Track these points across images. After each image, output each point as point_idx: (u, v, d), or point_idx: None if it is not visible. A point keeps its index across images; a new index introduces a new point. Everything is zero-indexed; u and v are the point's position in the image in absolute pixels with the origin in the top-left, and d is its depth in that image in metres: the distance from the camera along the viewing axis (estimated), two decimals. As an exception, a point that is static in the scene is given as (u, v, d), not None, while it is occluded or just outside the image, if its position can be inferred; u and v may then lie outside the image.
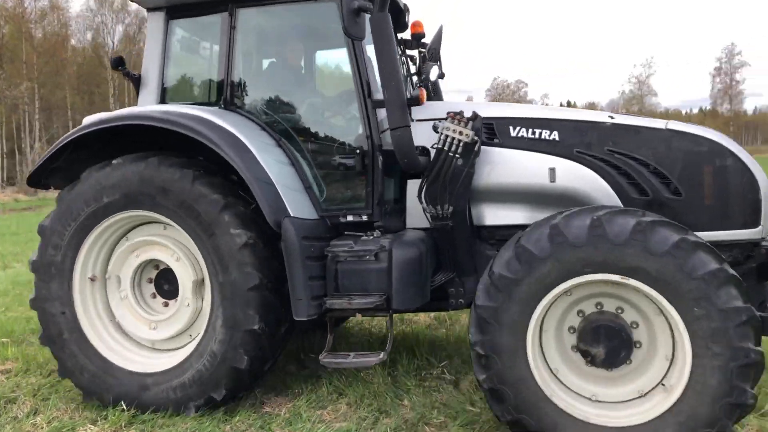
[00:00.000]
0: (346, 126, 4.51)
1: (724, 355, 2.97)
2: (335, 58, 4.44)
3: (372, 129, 4.05)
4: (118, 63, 4.70)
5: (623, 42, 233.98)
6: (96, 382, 4.00)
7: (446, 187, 3.82)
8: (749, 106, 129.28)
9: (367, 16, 3.72)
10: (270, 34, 4.77)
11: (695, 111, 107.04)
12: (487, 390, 3.32)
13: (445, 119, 3.78)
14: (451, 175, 3.79)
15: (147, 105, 4.38)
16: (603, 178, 3.84)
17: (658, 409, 3.14)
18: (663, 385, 3.21)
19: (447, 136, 3.75)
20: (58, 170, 4.24)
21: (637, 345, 3.26)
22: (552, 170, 3.89)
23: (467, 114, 3.81)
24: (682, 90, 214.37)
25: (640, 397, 3.28)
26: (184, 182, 3.76)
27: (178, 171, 3.80)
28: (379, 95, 3.98)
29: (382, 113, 3.99)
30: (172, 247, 3.99)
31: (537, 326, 3.26)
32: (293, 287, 3.71)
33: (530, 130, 3.95)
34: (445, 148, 3.76)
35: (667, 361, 3.22)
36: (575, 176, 3.88)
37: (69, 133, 4.13)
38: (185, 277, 4.00)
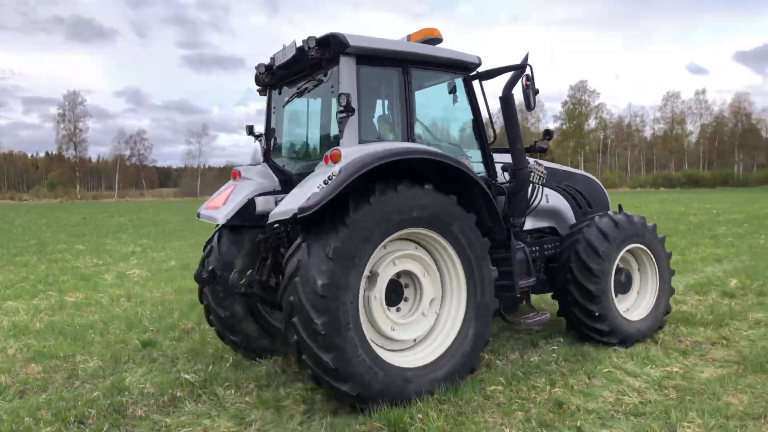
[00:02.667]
0: (474, 164, 5.70)
1: (668, 282, 6.48)
2: (458, 114, 5.84)
3: (491, 167, 5.75)
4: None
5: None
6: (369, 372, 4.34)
7: (527, 206, 5.91)
8: (93, 153, 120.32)
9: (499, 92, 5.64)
10: (429, 89, 5.83)
11: (42, 154, 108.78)
12: (597, 317, 5.80)
13: (532, 164, 5.88)
14: (532, 198, 5.94)
15: (351, 142, 4.78)
16: (566, 199, 6.80)
17: (647, 307, 6.31)
18: (638, 293, 6.47)
19: (536, 173, 5.84)
20: None
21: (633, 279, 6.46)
22: (546, 195, 6.41)
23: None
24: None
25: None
26: (470, 222, 4.93)
27: (464, 212, 4.89)
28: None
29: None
30: (427, 263, 4.94)
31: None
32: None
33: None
34: (535, 181, 5.84)
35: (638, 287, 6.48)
36: (557, 199, 6.69)
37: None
38: (428, 292, 4.95)
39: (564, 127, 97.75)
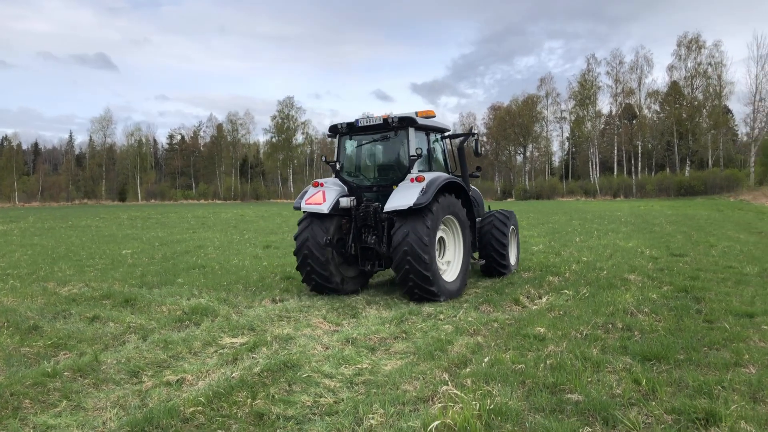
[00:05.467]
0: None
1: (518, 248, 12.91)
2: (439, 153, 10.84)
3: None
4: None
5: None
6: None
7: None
8: None
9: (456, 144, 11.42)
10: (435, 141, 10.47)
11: None
12: (504, 259, 11.17)
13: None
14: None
15: (416, 171, 9.46)
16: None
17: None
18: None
19: (470, 190, 11.31)
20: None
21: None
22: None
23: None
24: None
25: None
26: (461, 206, 9.71)
27: (458, 202, 9.62)
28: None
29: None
30: (448, 231, 9.74)
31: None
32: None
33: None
34: (470, 194, 10.54)
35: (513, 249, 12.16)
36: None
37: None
38: (450, 244, 9.77)
39: (274, 140, 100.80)
